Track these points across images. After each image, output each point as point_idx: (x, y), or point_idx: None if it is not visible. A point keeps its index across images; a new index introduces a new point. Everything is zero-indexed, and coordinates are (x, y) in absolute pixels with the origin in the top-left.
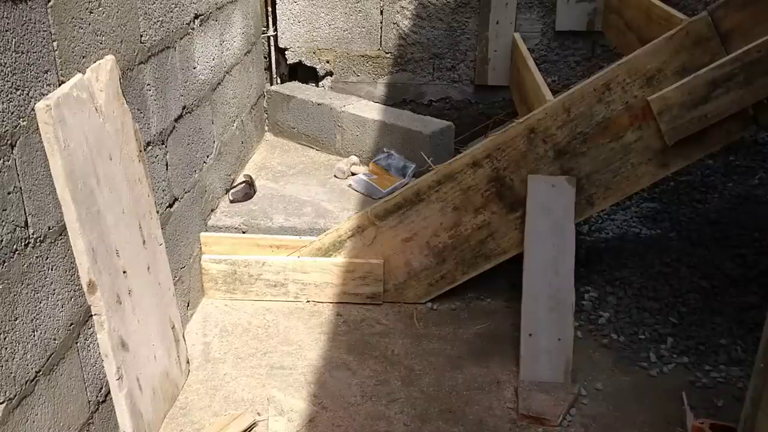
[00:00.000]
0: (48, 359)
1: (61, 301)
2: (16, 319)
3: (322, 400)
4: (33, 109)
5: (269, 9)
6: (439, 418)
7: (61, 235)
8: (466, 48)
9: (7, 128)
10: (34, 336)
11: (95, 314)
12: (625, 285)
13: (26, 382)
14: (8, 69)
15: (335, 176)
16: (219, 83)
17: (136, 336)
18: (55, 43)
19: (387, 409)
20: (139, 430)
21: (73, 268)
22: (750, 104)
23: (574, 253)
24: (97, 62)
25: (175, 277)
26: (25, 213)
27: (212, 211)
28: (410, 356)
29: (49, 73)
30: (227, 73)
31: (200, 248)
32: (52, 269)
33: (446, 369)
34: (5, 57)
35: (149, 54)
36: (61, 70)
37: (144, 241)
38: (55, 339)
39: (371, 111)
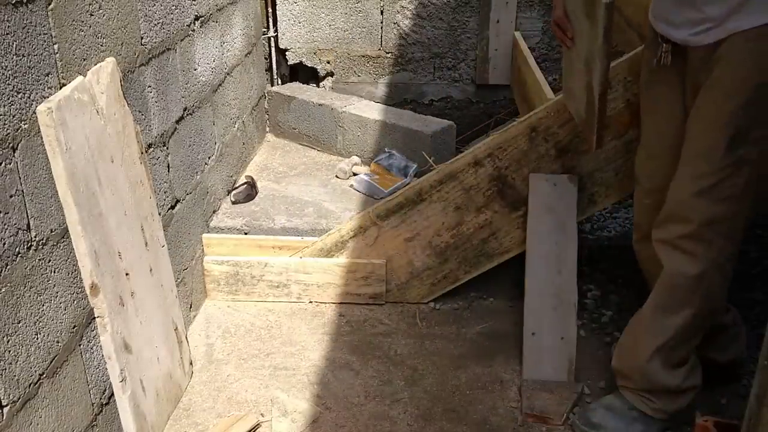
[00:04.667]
0: (51, 362)
1: (63, 304)
2: (19, 322)
3: (325, 400)
4: (34, 112)
5: (269, 10)
6: (442, 418)
7: (63, 237)
8: (466, 47)
9: (8, 131)
10: (37, 339)
11: (98, 316)
12: (627, 283)
13: (29, 385)
14: (9, 72)
15: (337, 176)
16: (220, 84)
17: (139, 338)
18: (55, 46)
19: (390, 409)
20: None
21: (75, 270)
22: None
23: (576, 252)
24: (98, 64)
25: (178, 278)
26: (27, 216)
27: (214, 212)
28: (413, 356)
29: (50, 75)
30: (228, 74)
31: (202, 249)
32: (54, 272)
33: (449, 369)
34: (6, 60)
35: (150, 56)
36: (62, 72)
37: (146, 243)
38: (58, 341)
39: (372, 111)
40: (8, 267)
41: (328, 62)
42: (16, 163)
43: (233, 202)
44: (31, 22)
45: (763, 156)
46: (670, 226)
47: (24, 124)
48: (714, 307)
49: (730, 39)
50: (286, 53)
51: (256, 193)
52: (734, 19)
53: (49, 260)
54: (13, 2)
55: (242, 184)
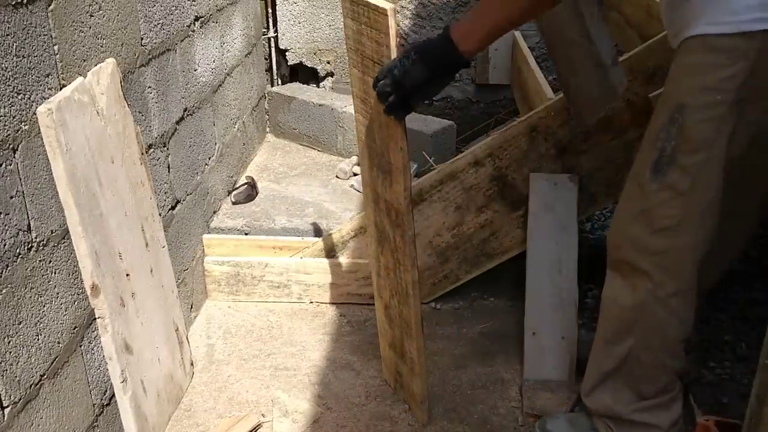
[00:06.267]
0: (52, 363)
1: (64, 305)
2: (20, 323)
3: (326, 400)
4: (35, 113)
5: (269, 10)
6: (443, 418)
7: (63, 238)
8: None
9: (9, 132)
10: (38, 340)
11: (99, 317)
12: None
13: (30, 386)
14: (9, 73)
15: (337, 177)
16: (220, 85)
17: (140, 338)
18: (56, 47)
19: (391, 409)
20: None
21: (76, 271)
22: None
23: (577, 251)
24: (98, 65)
25: (178, 279)
26: (28, 217)
27: (214, 213)
28: None
29: (50, 76)
30: (228, 74)
31: (203, 250)
32: (55, 273)
33: (450, 368)
34: (6, 61)
35: (150, 57)
36: (62, 73)
37: (147, 244)
38: (59, 342)
39: None
40: (9, 268)
41: (328, 62)
42: (17, 164)
43: (234, 203)
44: (31, 23)
45: (702, 188)
46: (609, 246)
47: (24, 125)
48: (666, 343)
49: (676, 50)
50: (286, 53)
51: (257, 194)
52: (678, 29)
53: (50, 261)
54: (14, 3)
55: (242, 185)
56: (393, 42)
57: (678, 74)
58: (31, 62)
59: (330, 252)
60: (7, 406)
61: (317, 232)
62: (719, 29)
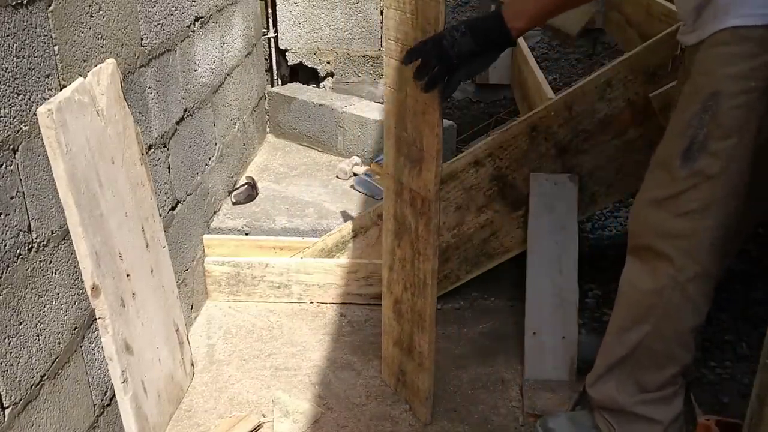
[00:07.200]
0: (53, 363)
1: (65, 305)
2: (20, 324)
3: (326, 400)
4: (35, 114)
5: (269, 10)
6: (444, 418)
7: (64, 239)
8: None
9: (9, 133)
10: (38, 340)
11: (99, 318)
12: None
13: (31, 387)
14: (10, 74)
15: (337, 177)
16: (220, 85)
17: (140, 339)
18: (56, 48)
19: (392, 409)
20: None
21: (76, 271)
22: None
23: (577, 251)
24: (98, 66)
25: (179, 279)
26: (28, 217)
27: (215, 213)
28: None
29: (50, 77)
30: (228, 75)
31: (203, 250)
32: (55, 273)
33: (450, 368)
34: (7, 62)
35: (150, 57)
36: (63, 74)
37: (147, 244)
38: (59, 343)
39: (373, 111)
40: (9, 268)
41: (328, 62)
42: (17, 164)
43: (234, 203)
44: (31, 24)
45: (730, 173)
46: (630, 234)
47: (24, 126)
48: (679, 331)
49: (701, 44)
50: (286, 54)
51: (257, 194)
52: (701, 23)
53: (50, 262)
54: (14, 4)
55: (243, 185)
56: (442, 28)
57: (710, 65)
58: (31, 63)
59: (330, 252)
60: (8, 407)
61: (317, 232)
62: (750, 21)
